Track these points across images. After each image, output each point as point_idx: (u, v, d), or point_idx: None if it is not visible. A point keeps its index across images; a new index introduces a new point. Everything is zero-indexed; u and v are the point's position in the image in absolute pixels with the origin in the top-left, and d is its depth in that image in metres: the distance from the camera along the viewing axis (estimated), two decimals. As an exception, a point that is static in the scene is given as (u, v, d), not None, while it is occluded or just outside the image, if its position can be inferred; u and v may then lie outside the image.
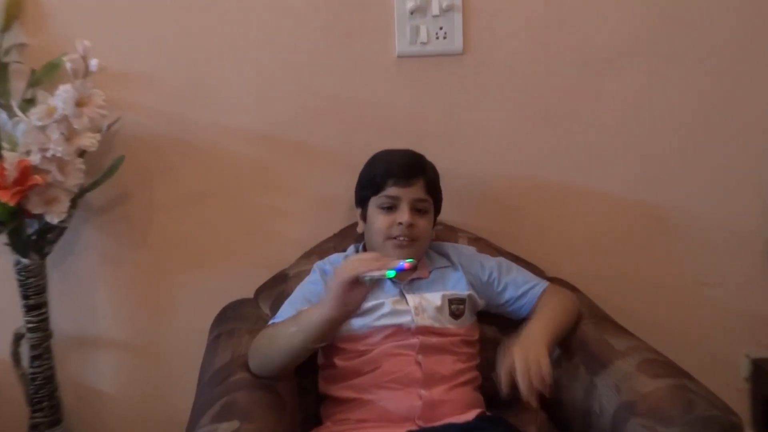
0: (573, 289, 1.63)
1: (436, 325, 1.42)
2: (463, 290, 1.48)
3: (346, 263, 1.25)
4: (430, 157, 1.55)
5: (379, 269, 1.19)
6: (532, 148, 1.75)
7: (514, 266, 1.56)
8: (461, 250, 1.57)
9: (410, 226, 1.44)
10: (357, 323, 1.40)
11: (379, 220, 1.46)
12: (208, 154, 1.69)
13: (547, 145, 1.75)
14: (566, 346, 1.46)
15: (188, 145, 1.68)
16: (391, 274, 1.19)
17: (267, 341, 1.35)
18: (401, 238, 1.45)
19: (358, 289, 1.22)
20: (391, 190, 1.46)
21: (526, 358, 1.27)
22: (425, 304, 1.44)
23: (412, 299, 1.44)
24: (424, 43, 1.67)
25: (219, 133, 1.68)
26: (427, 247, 1.53)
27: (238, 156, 1.69)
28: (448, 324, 1.44)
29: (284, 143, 1.70)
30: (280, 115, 1.69)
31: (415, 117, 1.72)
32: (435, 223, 1.55)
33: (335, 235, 1.68)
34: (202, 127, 1.68)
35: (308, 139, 1.70)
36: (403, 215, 1.44)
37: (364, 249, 1.54)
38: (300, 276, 1.57)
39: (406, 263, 1.19)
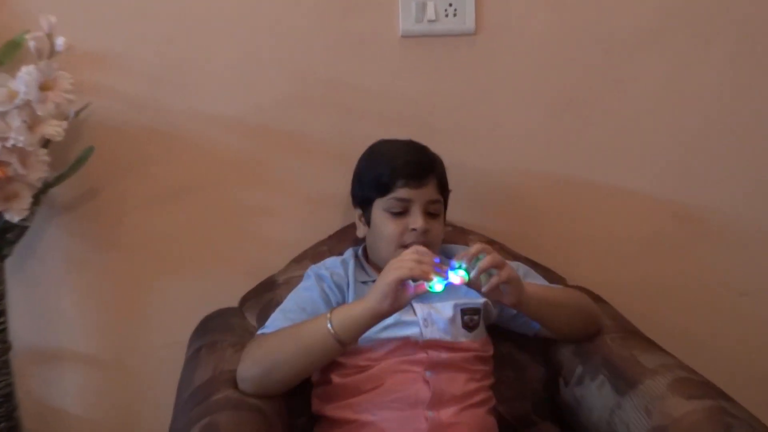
0: (597, 298, 1.64)
1: (447, 338, 1.42)
2: (477, 298, 1.45)
3: (402, 260, 1.27)
4: (438, 150, 1.55)
5: (426, 275, 1.25)
6: (552, 141, 1.76)
7: (532, 272, 1.56)
8: (473, 254, 1.60)
9: (425, 232, 1.44)
10: (359, 336, 1.39)
11: (388, 227, 1.46)
12: (187, 145, 1.68)
13: (568, 138, 1.76)
14: (589, 362, 1.47)
15: (165, 135, 1.67)
16: (433, 288, 1.26)
17: (279, 344, 1.35)
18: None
19: (408, 287, 1.28)
20: (402, 192, 1.45)
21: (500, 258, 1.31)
22: (435, 314, 1.43)
23: (420, 309, 1.43)
24: (431, 21, 1.68)
25: (200, 122, 1.68)
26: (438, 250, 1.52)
27: (221, 147, 1.69)
28: (461, 337, 1.44)
29: (273, 133, 1.70)
30: (269, 102, 1.68)
31: (421, 105, 1.72)
32: (445, 222, 1.55)
33: (330, 237, 1.68)
34: (181, 115, 1.67)
35: (300, 128, 1.70)
36: (417, 221, 1.44)
37: (365, 253, 1.55)
38: (290, 282, 1.57)
39: (460, 278, 1.27)
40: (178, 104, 1.67)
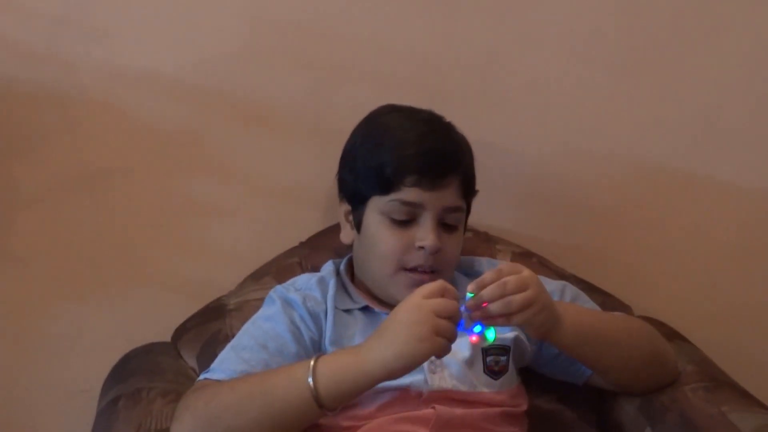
0: (673, 334, 1.66)
1: (463, 388, 1.42)
2: (504, 331, 1.46)
3: (439, 326, 1.25)
4: (455, 124, 1.54)
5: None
6: (619, 112, 1.78)
7: (583, 296, 1.57)
8: (502, 269, 1.60)
9: (437, 252, 1.44)
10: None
11: (387, 239, 1.46)
12: (101, 116, 1.69)
13: (642, 108, 1.79)
14: (661, 422, 1.48)
15: (70, 101, 1.68)
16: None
17: (237, 403, 1.32)
18: (421, 270, 1.45)
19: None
20: (411, 194, 1.45)
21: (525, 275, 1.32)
22: (447, 356, 1.37)
23: None
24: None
25: (118, 82, 1.69)
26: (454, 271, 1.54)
27: (148, 119, 1.70)
28: (483, 387, 1.44)
29: (221, 99, 1.71)
30: (216, 55, 1.70)
31: (433, 61, 1.74)
32: (465, 231, 1.56)
33: (303, 244, 1.70)
34: (92, 72, 1.68)
35: (260, 94, 1.71)
36: (427, 236, 1.44)
37: (350, 268, 1.56)
38: (245, 308, 1.59)
39: (473, 336, 1.30)
40: (87, 56, 1.67)
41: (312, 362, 1.29)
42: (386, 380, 1.28)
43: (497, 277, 1.29)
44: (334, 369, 1.29)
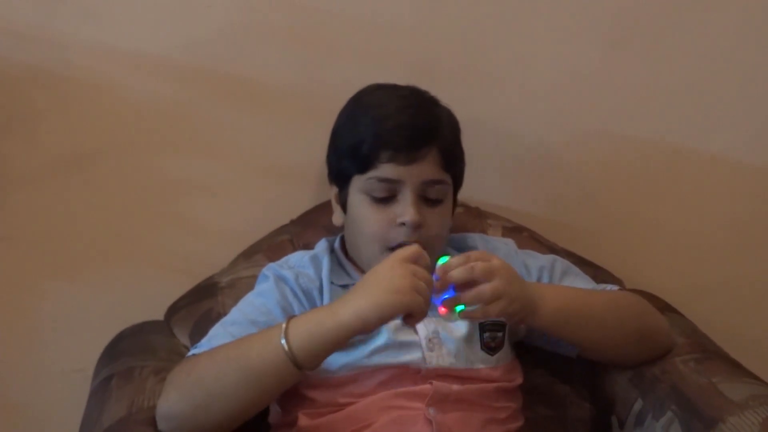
0: (665, 307, 1.67)
1: (460, 365, 1.43)
2: None
3: (404, 283, 1.27)
4: (444, 100, 1.54)
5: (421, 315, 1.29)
6: (609, 86, 1.80)
7: (574, 269, 1.59)
8: (494, 244, 1.59)
9: (418, 227, 1.44)
10: (335, 361, 1.39)
11: (367, 218, 1.47)
12: (92, 94, 1.71)
13: (633, 82, 1.80)
14: (652, 394, 1.49)
15: (61, 80, 1.70)
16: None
17: (214, 368, 1.33)
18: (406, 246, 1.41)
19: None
20: (387, 170, 1.45)
21: (495, 264, 1.32)
22: (444, 333, 1.44)
23: (424, 326, 1.43)
24: None
25: (109, 61, 1.70)
26: (443, 246, 1.53)
27: (139, 97, 1.71)
28: (480, 363, 1.45)
29: (213, 78, 1.72)
30: (205, 33, 1.71)
31: (423, 36, 1.75)
32: (455, 206, 1.56)
33: (293, 222, 1.72)
34: (83, 51, 1.69)
35: (252, 71, 1.73)
36: (407, 211, 1.44)
37: (343, 245, 1.57)
38: (237, 286, 1.61)
39: (441, 307, 1.30)
40: (77, 36, 1.69)
41: (285, 322, 1.30)
42: (361, 332, 1.29)
43: (465, 261, 1.31)
44: (306, 325, 1.30)
